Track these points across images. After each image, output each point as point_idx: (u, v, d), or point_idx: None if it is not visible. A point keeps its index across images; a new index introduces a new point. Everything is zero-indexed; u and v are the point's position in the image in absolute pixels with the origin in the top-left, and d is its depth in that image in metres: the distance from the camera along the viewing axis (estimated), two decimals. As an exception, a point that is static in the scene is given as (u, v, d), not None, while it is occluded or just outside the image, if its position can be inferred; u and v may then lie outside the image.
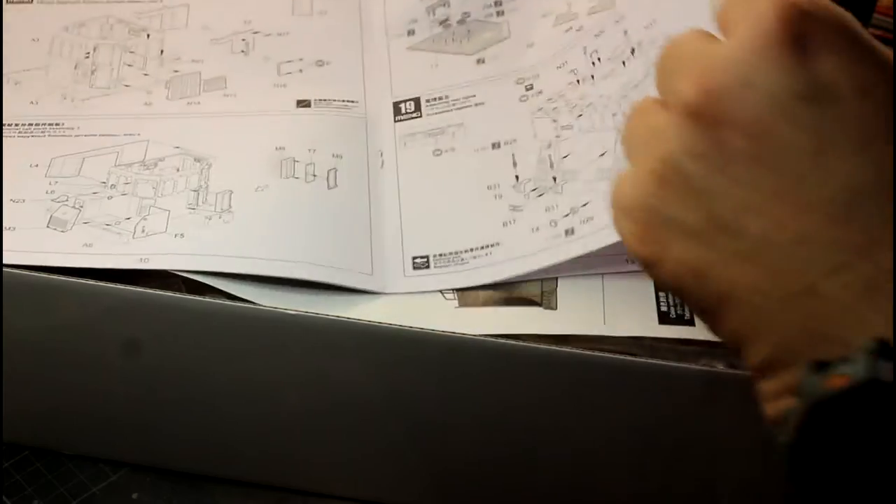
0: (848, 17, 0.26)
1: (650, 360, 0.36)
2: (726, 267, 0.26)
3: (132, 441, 0.41)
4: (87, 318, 0.38)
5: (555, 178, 0.42)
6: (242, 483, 0.42)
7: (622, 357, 0.36)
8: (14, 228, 0.40)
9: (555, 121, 0.44)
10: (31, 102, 0.47)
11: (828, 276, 0.24)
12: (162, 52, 0.49)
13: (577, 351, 0.37)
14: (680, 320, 0.38)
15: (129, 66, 0.49)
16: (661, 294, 0.40)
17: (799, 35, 0.25)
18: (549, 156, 0.43)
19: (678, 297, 0.32)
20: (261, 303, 0.38)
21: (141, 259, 0.39)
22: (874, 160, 0.25)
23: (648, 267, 0.28)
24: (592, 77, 0.44)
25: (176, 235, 0.40)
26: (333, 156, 0.44)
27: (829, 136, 0.25)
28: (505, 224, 0.42)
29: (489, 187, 0.43)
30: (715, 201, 0.26)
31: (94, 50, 0.49)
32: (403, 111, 0.48)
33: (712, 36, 0.28)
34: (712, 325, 0.28)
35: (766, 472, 0.38)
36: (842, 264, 0.24)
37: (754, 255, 0.26)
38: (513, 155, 0.44)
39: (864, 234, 0.24)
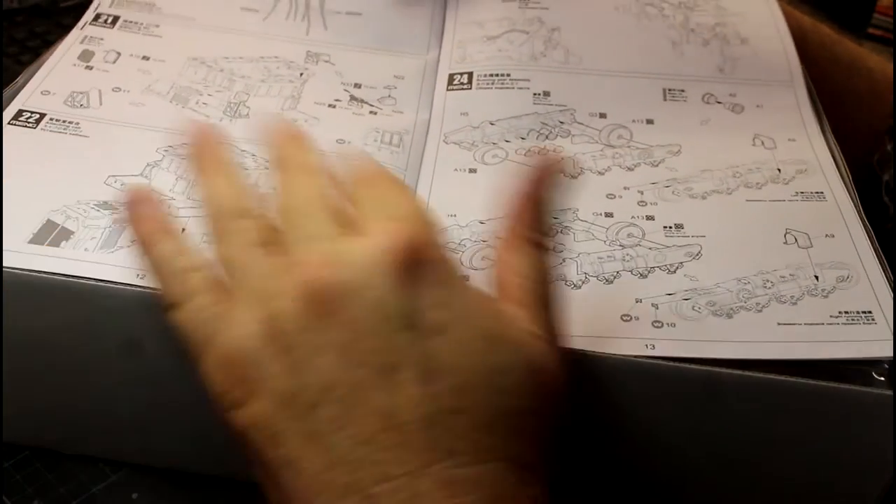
0: (452, 260, 0.31)
1: (651, 361, 0.36)
2: (299, 440, 0.29)
3: (132, 441, 0.41)
4: (87, 318, 0.37)
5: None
6: (243, 483, 0.42)
7: (624, 357, 0.36)
8: None
9: None
10: None
11: (379, 483, 0.28)
12: None
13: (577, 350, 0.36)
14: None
15: None
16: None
17: (414, 267, 0.29)
18: None
19: (248, 446, 0.31)
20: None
21: None
22: (433, 394, 0.28)
23: (230, 406, 0.30)
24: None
25: None
26: None
27: (406, 360, 0.28)
28: None
29: None
30: (306, 377, 0.29)
31: None
32: None
33: (342, 214, 0.32)
34: (267, 475, 0.30)
35: (767, 474, 0.38)
36: (396, 475, 0.28)
37: (323, 440, 0.28)
38: None
39: (427, 452, 0.28)
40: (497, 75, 0.51)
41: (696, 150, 0.47)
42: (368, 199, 0.32)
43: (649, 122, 0.49)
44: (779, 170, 0.45)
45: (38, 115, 0.45)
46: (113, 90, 0.48)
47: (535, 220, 0.33)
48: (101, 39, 0.51)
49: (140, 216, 0.35)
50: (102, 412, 0.40)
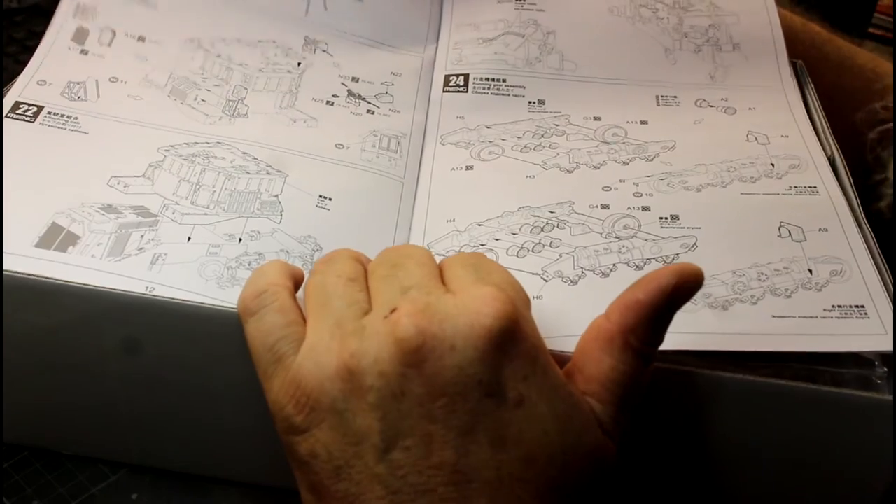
0: (545, 347, 0.31)
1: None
2: (362, 479, 0.29)
3: (132, 441, 0.41)
4: (86, 319, 0.37)
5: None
6: (241, 483, 0.42)
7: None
8: None
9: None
10: None
11: None
12: None
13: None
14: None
15: None
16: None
17: (508, 338, 0.29)
18: None
19: (301, 467, 0.31)
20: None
21: None
22: (502, 460, 0.29)
23: (291, 429, 0.31)
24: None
25: None
26: None
27: (482, 424, 0.29)
28: None
29: None
30: (380, 420, 0.29)
31: None
32: None
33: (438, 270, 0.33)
34: (317, 499, 0.31)
35: (768, 477, 0.38)
36: None
37: (387, 483, 0.29)
38: None
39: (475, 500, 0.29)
40: (493, 80, 0.51)
41: (690, 146, 0.47)
42: (463, 266, 0.33)
43: (643, 122, 0.49)
44: (772, 164, 0.46)
45: (35, 108, 0.45)
46: (110, 80, 0.48)
47: (651, 333, 0.32)
48: (96, 11, 0.50)
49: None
50: (102, 412, 0.40)
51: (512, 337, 0.30)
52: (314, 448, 0.30)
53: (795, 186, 0.44)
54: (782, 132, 0.48)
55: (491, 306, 0.29)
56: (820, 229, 0.42)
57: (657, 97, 0.51)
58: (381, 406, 0.29)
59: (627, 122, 0.49)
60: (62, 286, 0.37)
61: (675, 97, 0.51)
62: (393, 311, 0.30)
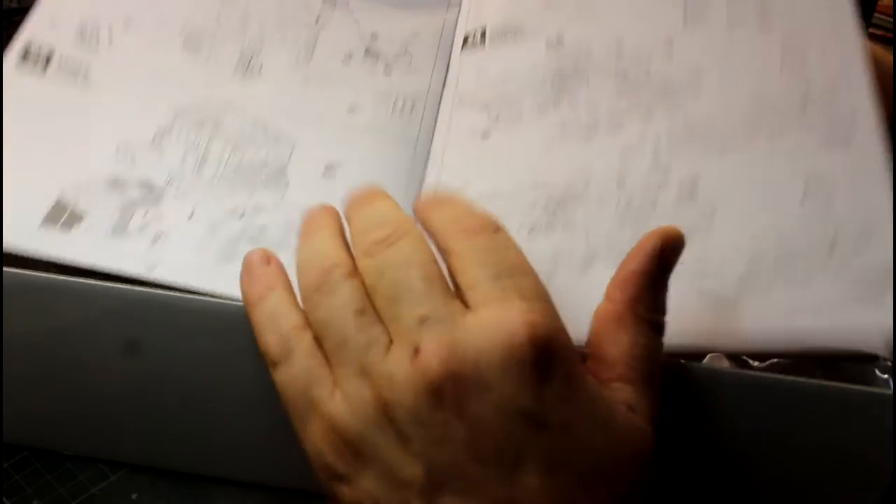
0: (578, 357, 0.29)
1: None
2: None
3: (131, 441, 0.41)
4: (86, 318, 0.37)
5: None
6: (242, 483, 0.42)
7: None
8: None
9: None
10: None
11: None
12: None
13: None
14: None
15: None
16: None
17: (544, 363, 0.28)
18: None
19: None
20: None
21: None
22: (555, 486, 0.28)
23: (331, 478, 0.30)
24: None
25: None
26: None
27: (530, 454, 0.28)
28: None
29: None
30: (425, 466, 0.28)
31: None
32: None
33: (444, 279, 0.30)
34: None
35: (766, 473, 0.38)
36: None
37: None
38: None
39: None
40: (510, 31, 0.48)
41: (716, 84, 0.42)
42: (480, 265, 0.30)
43: (667, 43, 0.44)
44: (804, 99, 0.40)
45: (46, 56, 0.44)
46: (124, 23, 0.47)
47: (654, 301, 0.32)
48: None
49: (252, 278, 0.33)
50: (102, 412, 0.40)
51: (548, 360, 0.28)
52: (359, 497, 0.29)
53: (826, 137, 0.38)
54: (820, 50, 0.41)
55: (522, 331, 0.28)
56: (850, 192, 0.36)
57: (684, 7, 0.45)
58: (424, 454, 0.28)
59: (652, 46, 0.44)
60: (62, 285, 0.36)
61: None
62: (417, 349, 0.28)
